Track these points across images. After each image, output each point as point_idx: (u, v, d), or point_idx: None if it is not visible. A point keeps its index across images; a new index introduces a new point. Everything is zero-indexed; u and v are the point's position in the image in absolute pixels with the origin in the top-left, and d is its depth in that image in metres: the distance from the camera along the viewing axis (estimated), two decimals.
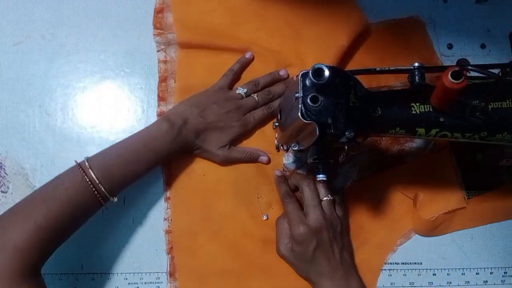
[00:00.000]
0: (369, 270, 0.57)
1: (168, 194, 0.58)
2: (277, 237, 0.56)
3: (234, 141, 0.58)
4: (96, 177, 0.47)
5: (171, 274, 0.56)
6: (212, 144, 0.56)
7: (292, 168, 0.59)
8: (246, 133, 0.58)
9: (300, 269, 0.54)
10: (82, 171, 0.48)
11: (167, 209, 0.58)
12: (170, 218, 0.57)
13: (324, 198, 0.54)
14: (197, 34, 0.60)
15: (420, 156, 0.60)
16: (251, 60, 0.60)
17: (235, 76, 0.59)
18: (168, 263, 0.56)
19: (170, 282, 0.56)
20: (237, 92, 0.58)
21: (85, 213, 0.49)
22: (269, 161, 0.58)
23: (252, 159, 0.58)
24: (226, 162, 0.57)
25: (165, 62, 0.61)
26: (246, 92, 0.58)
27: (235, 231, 0.57)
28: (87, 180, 0.47)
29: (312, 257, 0.52)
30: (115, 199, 0.50)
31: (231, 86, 0.59)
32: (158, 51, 0.61)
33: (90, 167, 0.48)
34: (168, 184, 0.58)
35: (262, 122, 0.59)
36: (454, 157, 0.59)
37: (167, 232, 0.57)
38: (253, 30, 0.61)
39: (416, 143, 0.60)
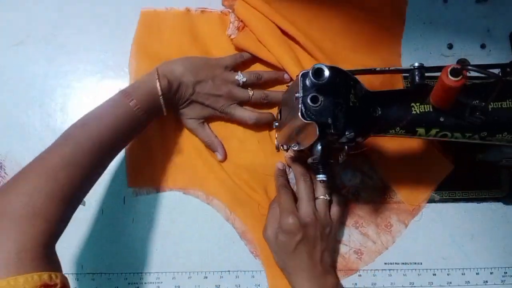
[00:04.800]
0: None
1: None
2: (267, 220, 0.56)
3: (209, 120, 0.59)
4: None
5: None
6: (187, 112, 0.56)
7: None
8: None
9: (280, 258, 0.54)
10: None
11: None
12: None
13: (321, 197, 0.54)
14: None
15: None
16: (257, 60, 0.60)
17: (241, 62, 0.59)
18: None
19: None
20: (236, 77, 0.57)
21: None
22: (224, 159, 0.59)
23: (211, 148, 0.59)
24: (190, 131, 0.58)
25: None
26: (245, 81, 0.57)
27: None
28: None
29: (294, 249, 0.52)
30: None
31: (233, 69, 0.58)
32: None
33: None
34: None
35: (239, 123, 0.59)
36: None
37: None
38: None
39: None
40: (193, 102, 0.56)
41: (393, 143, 0.59)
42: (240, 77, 0.57)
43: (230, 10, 0.62)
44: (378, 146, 0.59)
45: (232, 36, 0.61)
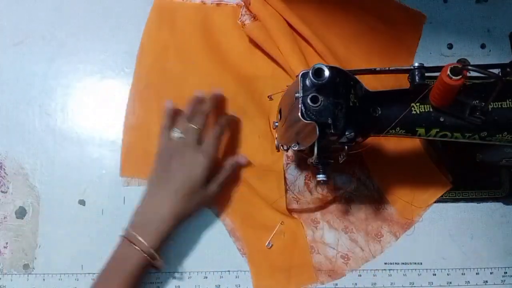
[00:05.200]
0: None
1: None
2: None
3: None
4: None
5: None
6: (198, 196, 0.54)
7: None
8: (242, 141, 0.60)
9: None
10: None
11: None
12: None
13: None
14: None
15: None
16: (172, 109, 0.57)
17: (169, 130, 0.55)
18: None
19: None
20: (176, 138, 0.54)
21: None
22: (247, 162, 0.58)
23: (233, 170, 0.57)
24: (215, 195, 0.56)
25: None
26: (181, 132, 0.54)
27: None
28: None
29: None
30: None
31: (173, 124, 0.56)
32: None
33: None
34: None
35: (221, 139, 0.56)
36: (426, 149, 0.59)
37: None
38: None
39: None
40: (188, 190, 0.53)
41: (393, 156, 0.59)
42: (176, 134, 0.54)
43: (244, 3, 0.61)
44: (378, 158, 0.59)
45: (246, 22, 0.60)
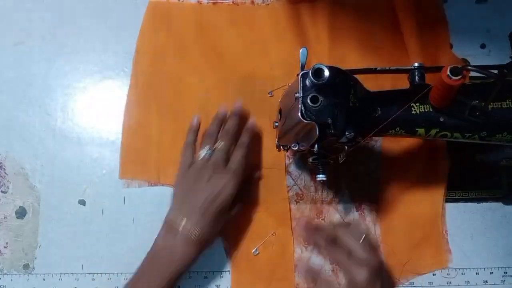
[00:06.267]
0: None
1: None
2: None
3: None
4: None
5: None
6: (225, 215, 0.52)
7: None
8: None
9: None
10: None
11: None
12: None
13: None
14: None
15: None
16: (199, 125, 0.56)
17: (194, 145, 0.55)
18: None
19: None
20: (201, 157, 0.52)
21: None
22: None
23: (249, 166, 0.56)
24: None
25: None
26: (209, 149, 0.53)
27: None
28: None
29: None
30: None
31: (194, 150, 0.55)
32: None
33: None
34: None
35: (246, 157, 0.54)
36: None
37: None
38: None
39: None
40: (212, 218, 0.50)
41: (406, 216, 0.58)
42: (204, 152, 0.53)
43: None
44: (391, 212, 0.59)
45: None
